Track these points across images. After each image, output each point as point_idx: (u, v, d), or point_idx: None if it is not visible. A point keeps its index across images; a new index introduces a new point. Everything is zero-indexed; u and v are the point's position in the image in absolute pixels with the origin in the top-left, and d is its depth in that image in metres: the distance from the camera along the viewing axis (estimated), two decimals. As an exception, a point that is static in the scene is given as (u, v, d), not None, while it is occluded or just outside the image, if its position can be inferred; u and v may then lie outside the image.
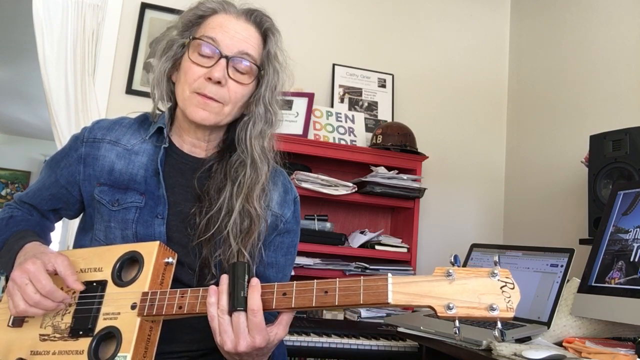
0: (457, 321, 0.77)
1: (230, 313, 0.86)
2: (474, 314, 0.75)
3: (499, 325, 0.76)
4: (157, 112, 1.17)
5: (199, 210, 1.09)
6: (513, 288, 0.76)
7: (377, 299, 0.79)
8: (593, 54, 2.35)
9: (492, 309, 0.75)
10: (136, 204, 1.08)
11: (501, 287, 0.76)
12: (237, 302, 0.85)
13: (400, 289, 0.78)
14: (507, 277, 0.77)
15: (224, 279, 0.88)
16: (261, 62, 1.12)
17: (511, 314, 0.75)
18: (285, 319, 0.88)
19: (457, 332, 0.77)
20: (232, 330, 0.85)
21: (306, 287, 0.84)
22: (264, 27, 1.12)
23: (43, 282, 0.93)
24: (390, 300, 0.78)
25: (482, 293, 0.76)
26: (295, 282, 0.86)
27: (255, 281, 0.86)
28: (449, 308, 0.75)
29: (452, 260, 0.80)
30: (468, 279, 0.77)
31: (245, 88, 1.10)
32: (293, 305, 0.84)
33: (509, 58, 2.97)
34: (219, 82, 1.06)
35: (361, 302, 0.80)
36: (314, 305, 0.83)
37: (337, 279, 0.83)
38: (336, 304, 0.81)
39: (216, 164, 1.14)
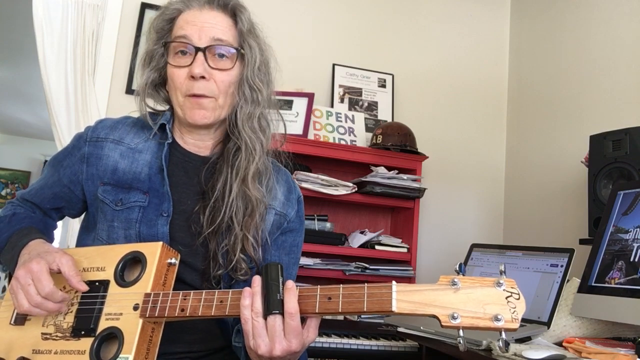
0: (461, 331, 0.76)
1: (265, 316, 0.84)
2: (479, 324, 0.75)
3: (503, 335, 0.75)
4: (148, 112, 1.17)
5: (203, 207, 1.09)
6: (518, 298, 0.76)
7: (380, 306, 0.78)
8: (593, 54, 2.35)
9: (496, 319, 0.74)
10: (139, 204, 1.08)
11: (506, 298, 0.75)
12: (272, 305, 0.83)
13: (404, 297, 0.78)
14: (512, 287, 0.76)
15: (257, 280, 0.86)
16: (237, 43, 1.10)
17: (516, 325, 0.74)
18: (314, 323, 0.86)
19: (461, 342, 0.76)
20: (266, 333, 0.83)
21: (310, 292, 0.84)
22: (230, 7, 1.11)
23: (44, 282, 0.93)
24: (395, 308, 0.77)
25: (487, 303, 0.75)
26: (298, 287, 0.86)
27: (291, 283, 0.85)
28: (454, 318, 0.75)
29: (457, 269, 0.79)
30: (473, 289, 0.77)
31: (230, 73, 1.09)
32: None
33: (509, 58, 2.97)
34: (202, 77, 1.05)
35: (365, 310, 0.79)
36: (317, 311, 0.83)
37: (341, 285, 0.82)
38: (340, 310, 0.81)
39: (220, 159, 1.14)
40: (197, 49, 1.06)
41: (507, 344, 0.75)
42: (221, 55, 1.08)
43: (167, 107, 1.18)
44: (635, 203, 1.44)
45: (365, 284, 0.81)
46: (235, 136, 1.12)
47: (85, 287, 0.96)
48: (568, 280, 1.60)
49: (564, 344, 1.42)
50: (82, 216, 1.23)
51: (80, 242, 1.17)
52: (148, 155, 1.12)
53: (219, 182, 1.09)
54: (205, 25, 1.07)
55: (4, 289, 5.66)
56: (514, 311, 0.75)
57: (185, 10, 1.10)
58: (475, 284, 0.77)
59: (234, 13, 1.11)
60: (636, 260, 1.36)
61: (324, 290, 0.83)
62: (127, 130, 1.15)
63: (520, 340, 1.47)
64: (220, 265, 1.07)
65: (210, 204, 1.08)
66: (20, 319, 1.02)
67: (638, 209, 1.43)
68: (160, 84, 1.16)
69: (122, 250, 1.00)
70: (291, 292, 0.84)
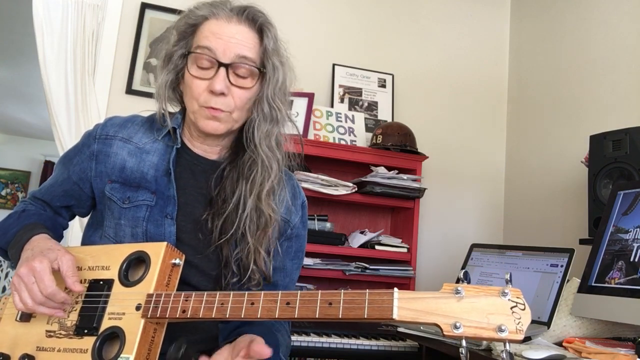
0: (464, 341, 0.74)
1: None
2: (482, 335, 0.73)
3: (507, 347, 0.73)
4: (162, 113, 1.16)
5: (211, 215, 1.09)
6: (524, 309, 0.73)
7: (381, 314, 0.77)
8: (593, 54, 2.35)
9: (500, 330, 0.72)
10: (147, 202, 1.09)
11: (511, 308, 0.73)
12: None
13: (406, 305, 0.76)
14: (517, 297, 0.74)
15: None
16: (261, 61, 1.09)
17: (520, 337, 0.72)
18: None
19: (463, 352, 0.74)
20: None
21: (310, 297, 0.83)
22: (258, 23, 1.09)
23: (46, 282, 0.93)
24: (395, 316, 0.76)
25: (491, 313, 0.73)
26: (299, 291, 0.85)
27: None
28: (456, 327, 0.73)
29: (462, 277, 0.77)
30: (477, 298, 0.74)
31: (250, 91, 1.09)
32: (296, 316, 0.83)
33: (509, 58, 2.97)
34: (222, 93, 1.05)
35: (365, 317, 0.78)
36: (317, 316, 0.81)
37: (342, 290, 0.82)
38: (340, 316, 0.80)
39: (229, 165, 1.14)
40: (220, 64, 1.04)
41: (511, 356, 0.73)
42: (243, 73, 1.07)
43: (179, 108, 1.18)
44: (635, 203, 1.45)
45: (367, 291, 0.79)
46: (251, 150, 1.11)
47: (80, 288, 0.96)
48: (568, 280, 1.60)
49: (564, 344, 1.42)
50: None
51: (87, 239, 1.18)
52: (155, 157, 1.12)
53: (233, 194, 1.09)
54: (232, 41, 1.05)
55: (4, 289, 5.66)
56: (519, 322, 0.73)
57: (211, 18, 1.07)
58: (480, 293, 0.75)
59: (261, 29, 1.09)
60: (636, 260, 1.36)
61: (324, 295, 0.82)
62: (136, 129, 1.15)
63: (520, 341, 1.47)
64: (234, 273, 1.07)
65: (221, 213, 1.08)
66: (26, 316, 1.02)
67: (638, 209, 1.43)
68: (176, 85, 1.15)
69: (127, 249, 1.01)
70: None
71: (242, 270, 1.08)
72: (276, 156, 1.13)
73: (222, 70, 1.04)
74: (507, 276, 0.76)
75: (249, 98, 1.09)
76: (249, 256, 1.07)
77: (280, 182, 1.16)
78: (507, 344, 0.73)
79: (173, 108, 1.18)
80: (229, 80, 1.05)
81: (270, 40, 1.09)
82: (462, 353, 0.75)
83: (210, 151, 1.16)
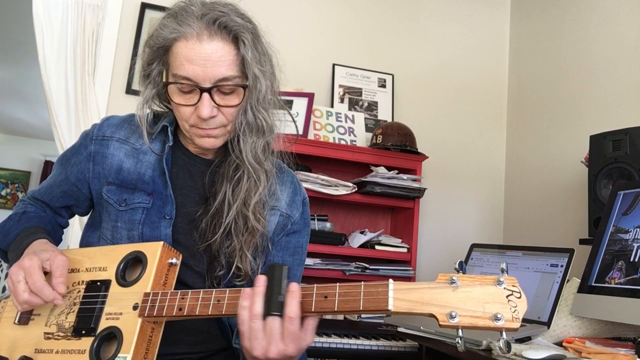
0: (460, 331, 0.74)
1: (264, 317, 0.82)
2: (478, 324, 0.72)
3: (504, 336, 0.73)
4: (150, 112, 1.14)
5: (205, 213, 1.08)
6: (520, 297, 0.73)
7: (377, 305, 0.77)
8: (593, 54, 2.35)
9: (496, 318, 0.72)
10: (143, 205, 1.08)
11: (507, 296, 0.73)
12: (272, 307, 0.81)
13: (401, 296, 0.76)
14: (513, 286, 0.73)
15: (260, 280, 0.84)
16: (242, 72, 1.03)
17: (517, 325, 0.72)
18: (311, 325, 0.84)
19: (460, 342, 0.74)
20: (263, 335, 0.82)
21: (306, 291, 0.83)
22: (232, 34, 1.01)
23: (34, 277, 0.93)
24: (391, 307, 0.75)
25: (487, 302, 0.73)
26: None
27: (295, 287, 0.82)
28: (452, 317, 0.73)
29: (457, 267, 0.77)
30: (472, 287, 0.74)
31: (238, 105, 1.04)
32: None
33: (509, 58, 2.97)
34: (211, 116, 1.01)
35: (361, 309, 0.77)
36: (313, 310, 0.81)
37: (337, 283, 0.81)
38: (335, 309, 0.80)
39: (220, 164, 1.13)
40: (202, 90, 0.99)
41: (508, 345, 0.72)
42: (228, 90, 1.02)
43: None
44: (635, 203, 1.44)
45: (362, 283, 0.79)
46: (236, 155, 1.08)
47: (62, 290, 0.94)
48: (568, 280, 1.60)
49: (564, 344, 1.42)
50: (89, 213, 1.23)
51: (85, 240, 1.18)
52: (152, 157, 1.11)
53: (219, 193, 1.08)
54: (208, 65, 0.98)
55: (3, 289, 5.67)
56: (515, 310, 0.72)
57: (180, 39, 0.99)
58: (475, 282, 0.75)
59: (236, 37, 1.01)
60: (636, 260, 1.36)
61: (320, 289, 0.82)
62: (133, 129, 1.14)
63: (520, 340, 1.47)
64: (222, 266, 1.07)
65: (212, 211, 1.08)
66: (25, 319, 1.03)
67: (638, 209, 1.43)
68: (159, 95, 1.11)
69: (124, 250, 1.01)
70: (294, 296, 0.82)
71: (228, 265, 1.07)
72: (264, 167, 1.09)
73: (206, 95, 0.99)
74: (503, 265, 0.76)
75: (238, 110, 1.05)
76: (234, 254, 1.06)
77: (279, 183, 1.15)
78: (504, 332, 0.73)
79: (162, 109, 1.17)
80: (215, 102, 1.01)
81: (248, 49, 1.01)
82: (458, 343, 0.74)
83: (206, 152, 1.15)
